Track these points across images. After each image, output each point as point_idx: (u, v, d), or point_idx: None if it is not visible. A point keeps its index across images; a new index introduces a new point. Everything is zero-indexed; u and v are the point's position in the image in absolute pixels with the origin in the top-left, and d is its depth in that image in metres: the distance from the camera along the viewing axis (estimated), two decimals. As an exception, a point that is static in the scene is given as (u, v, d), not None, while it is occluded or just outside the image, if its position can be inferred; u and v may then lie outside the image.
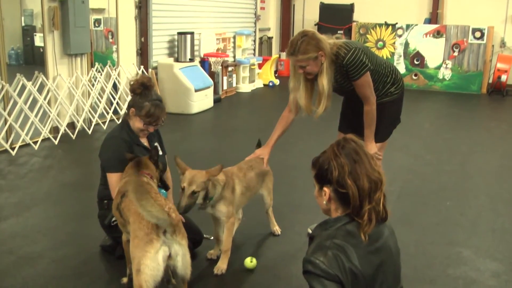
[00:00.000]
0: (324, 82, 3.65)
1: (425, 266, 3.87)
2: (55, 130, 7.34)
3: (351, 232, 2.15)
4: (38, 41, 7.63)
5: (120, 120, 3.84)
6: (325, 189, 2.23)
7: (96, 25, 8.80)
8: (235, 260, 3.86)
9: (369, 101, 3.82)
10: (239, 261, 3.84)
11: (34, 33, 8.27)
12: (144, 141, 3.81)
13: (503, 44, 12.80)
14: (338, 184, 2.18)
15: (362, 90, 3.80)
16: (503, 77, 12.01)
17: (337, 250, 2.11)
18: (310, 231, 4.26)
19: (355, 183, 2.15)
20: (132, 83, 3.68)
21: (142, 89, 3.64)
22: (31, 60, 8.87)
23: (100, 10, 8.77)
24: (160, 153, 3.88)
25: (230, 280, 3.66)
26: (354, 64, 3.69)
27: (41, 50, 7.39)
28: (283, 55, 14.39)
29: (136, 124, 3.67)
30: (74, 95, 7.62)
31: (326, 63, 3.64)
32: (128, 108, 3.71)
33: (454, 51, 12.44)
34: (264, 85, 12.74)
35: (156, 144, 3.89)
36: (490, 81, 12.43)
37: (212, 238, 4.17)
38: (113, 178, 3.63)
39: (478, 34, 12.22)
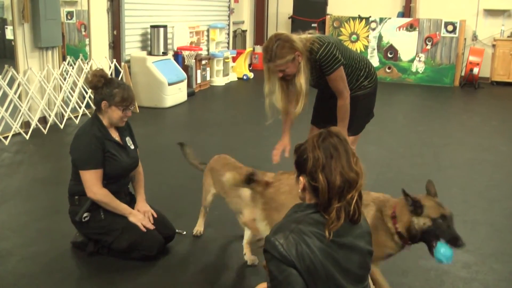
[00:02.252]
0: (302, 81, 3.64)
1: (398, 258, 3.87)
2: (26, 124, 7.23)
3: (319, 222, 2.14)
4: (9, 34, 7.48)
5: (91, 116, 3.79)
6: (301, 178, 2.22)
7: (69, 17, 8.67)
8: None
9: (342, 95, 3.82)
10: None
11: (5, 26, 8.13)
12: (116, 136, 3.77)
13: (475, 37, 12.96)
14: (310, 176, 2.16)
15: (335, 84, 3.80)
16: (475, 70, 12.15)
17: (299, 236, 2.09)
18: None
19: (326, 179, 2.12)
20: (90, 79, 3.64)
21: (104, 81, 3.61)
22: (2, 54, 8.70)
23: (72, 3, 8.66)
24: (132, 147, 3.85)
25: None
26: (327, 58, 3.69)
27: (12, 43, 7.26)
28: (257, 48, 14.38)
29: (114, 114, 3.63)
30: (45, 89, 7.51)
31: (303, 62, 3.62)
32: (98, 104, 3.66)
33: (427, 45, 12.54)
34: (238, 78, 12.71)
35: (127, 138, 3.85)
36: (463, 74, 12.58)
37: (184, 232, 4.16)
38: (87, 176, 3.59)
39: (450, 28, 12.33)
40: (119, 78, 8.68)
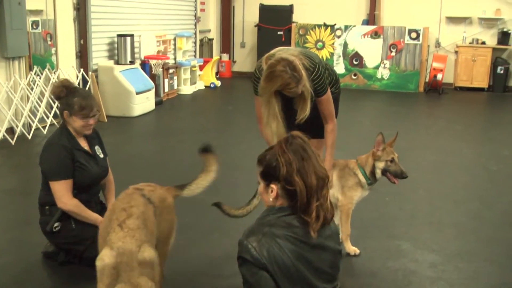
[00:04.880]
0: (307, 84, 3.45)
1: (366, 260, 3.99)
2: (-8, 135, 7.16)
3: (291, 225, 2.20)
4: (-25, 44, 7.41)
5: (59, 126, 3.79)
6: (273, 186, 2.26)
7: (34, 27, 8.61)
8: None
9: (332, 119, 3.76)
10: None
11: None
12: (85, 145, 3.77)
13: (438, 44, 13.23)
14: (286, 181, 2.21)
15: (327, 106, 3.70)
16: (439, 76, 12.42)
17: (271, 239, 2.16)
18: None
19: (303, 180, 2.19)
20: (53, 91, 3.65)
21: (66, 91, 3.61)
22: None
23: (37, 12, 8.59)
24: (101, 156, 3.86)
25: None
26: (320, 80, 3.60)
27: (-22, 54, 7.19)
28: (224, 57, 14.45)
29: (76, 124, 3.64)
30: (12, 99, 7.44)
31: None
32: (61, 114, 3.67)
33: (391, 51, 12.76)
34: (205, 86, 12.75)
35: (96, 147, 3.86)
36: (427, 80, 12.84)
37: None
38: (57, 186, 3.58)
39: (414, 35, 12.57)
40: (87, 87, 8.65)
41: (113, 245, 2.70)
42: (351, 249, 4.03)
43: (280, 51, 3.59)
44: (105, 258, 2.67)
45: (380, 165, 3.92)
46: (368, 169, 3.97)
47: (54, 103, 8.09)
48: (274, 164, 2.25)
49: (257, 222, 2.29)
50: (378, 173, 3.94)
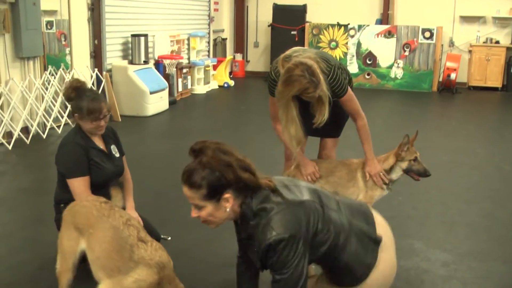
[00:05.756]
0: (325, 88, 3.44)
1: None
2: (8, 135, 7.23)
3: (269, 199, 2.40)
4: (-9, 44, 7.50)
5: (74, 126, 3.82)
6: (226, 195, 2.33)
7: (49, 27, 8.69)
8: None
9: (360, 115, 3.76)
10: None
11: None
12: (100, 144, 3.79)
13: (451, 43, 13.18)
14: (236, 182, 2.31)
15: (350, 104, 3.72)
16: (453, 75, 12.36)
17: (292, 214, 2.35)
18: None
19: (245, 170, 2.33)
20: (64, 92, 3.69)
21: (76, 93, 3.63)
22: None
23: (52, 12, 8.67)
24: (117, 155, 3.88)
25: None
26: (338, 82, 3.60)
27: (-7, 54, 7.27)
28: (238, 56, 14.48)
29: (86, 126, 3.66)
30: (27, 99, 7.52)
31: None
32: (73, 116, 3.71)
33: (405, 51, 12.73)
34: (219, 86, 12.79)
35: (112, 146, 3.88)
36: (440, 79, 12.79)
37: (169, 238, 4.21)
38: (75, 184, 3.61)
39: (427, 34, 12.53)
40: (101, 87, 8.71)
41: (150, 262, 2.66)
42: None
43: (296, 53, 3.58)
44: (147, 278, 2.63)
45: (403, 165, 3.86)
46: (386, 167, 3.90)
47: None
48: (217, 174, 2.29)
49: (265, 219, 2.34)
50: (398, 172, 3.87)
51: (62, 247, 3.06)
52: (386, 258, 2.63)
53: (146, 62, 9.72)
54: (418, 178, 3.90)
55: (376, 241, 2.58)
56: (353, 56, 13.07)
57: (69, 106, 8.05)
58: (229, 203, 2.33)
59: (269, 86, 3.76)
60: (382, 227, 2.66)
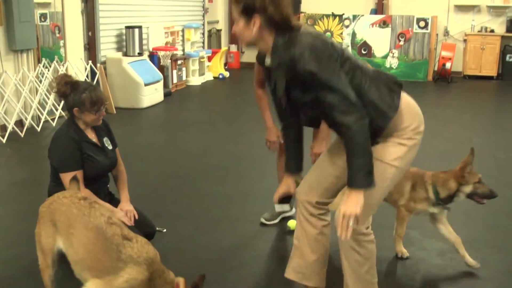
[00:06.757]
0: None
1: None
2: (2, 128, 7.20)
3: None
4: (-17, 37, 7.46)
5: (66, 119, 3.79)
6: (256, 18, 2.58)
7: (42, 19, 8.65)
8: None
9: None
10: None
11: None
12: (93, 137, 3.77)
13: (446, 32, 13.17)
14: (263, 9, 2.57)
15: None
16: (448, 65, 12.37)
17: (321, 41, 2.64)
18: (263, 220, 4.32)
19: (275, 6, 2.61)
20: (56, 89, 3.60)
21: (70, 87, 3.59)
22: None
23: (45, 4, 8.63)
24: (110, 147, 3.86)
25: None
26: None
27: (-14, 47, 7.23)
28: (232, 48, 14.44)
29: (87, 118, 3.63)
30: (21, 92, 7.49)
31: None
32: (70, 111, 3.65)
33: (400, 41, 12.71)
34: (214, 77, 12.76)
35: (105, 138, 3.86)
36: (436, 68, 12.78)
37: (164, 230, 4.21)
38: (68, 178, 3.59)
39: (422, 24, 12.52)
40: (95, 80, 8.68)
41: (139, 259, 2.64)
42: (400, 249, 3.90)
43: None
44: (138, 276, 2.61)
45: (468, 189, 3.54)
46: (445, 193, 3.62)
47: (63, 95, 8.13)
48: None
49: (293, 45, 2.62)
50: (462, 197, 3.59)
51: (41, 244, 3.01)
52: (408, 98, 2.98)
53: (140, 54, 9.69)
54: (483, 201, 3.58)
55: (401, 85, 2.95)
56: (348, 46, 13.04)
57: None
58: (255, 26, 2.59)
59: (258, 53, 3.80)
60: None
